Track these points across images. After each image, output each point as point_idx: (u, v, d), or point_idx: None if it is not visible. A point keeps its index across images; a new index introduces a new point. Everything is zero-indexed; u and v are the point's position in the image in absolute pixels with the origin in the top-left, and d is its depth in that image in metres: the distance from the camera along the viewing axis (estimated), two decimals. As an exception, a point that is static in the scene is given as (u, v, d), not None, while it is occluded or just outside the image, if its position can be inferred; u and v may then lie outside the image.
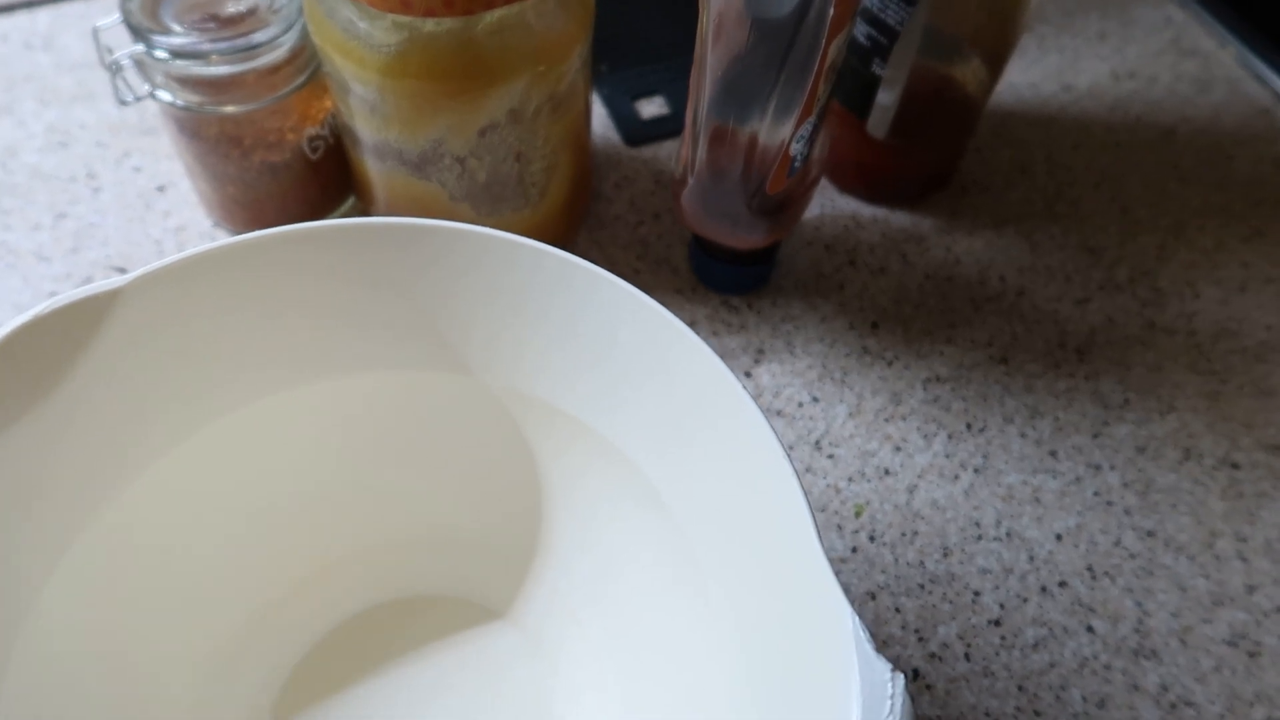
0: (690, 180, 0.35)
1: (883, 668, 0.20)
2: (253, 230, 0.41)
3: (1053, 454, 0.38)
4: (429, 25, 0.32)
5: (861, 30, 0.39)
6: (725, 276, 0.41)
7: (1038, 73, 0.51)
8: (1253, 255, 0.45)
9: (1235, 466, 0.38)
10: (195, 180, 0.41)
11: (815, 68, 0.30)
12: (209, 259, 0.26)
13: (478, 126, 0.34)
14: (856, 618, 0.21)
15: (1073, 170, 0.47)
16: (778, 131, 0.32)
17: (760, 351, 0.40)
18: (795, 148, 0.33)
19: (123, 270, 0.41)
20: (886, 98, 0.40)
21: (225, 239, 0.25)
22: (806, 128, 0.32)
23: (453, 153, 0.35)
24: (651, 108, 0.48)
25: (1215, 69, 0.52)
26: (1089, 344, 0.41)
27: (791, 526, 0.23)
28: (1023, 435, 0.39)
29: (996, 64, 0.41)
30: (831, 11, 0.28)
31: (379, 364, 0.29)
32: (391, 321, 0.29)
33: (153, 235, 0.42)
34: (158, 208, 0.43)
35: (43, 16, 0.51)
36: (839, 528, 0.36)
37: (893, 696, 0.20)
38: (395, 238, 0.27)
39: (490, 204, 0.37)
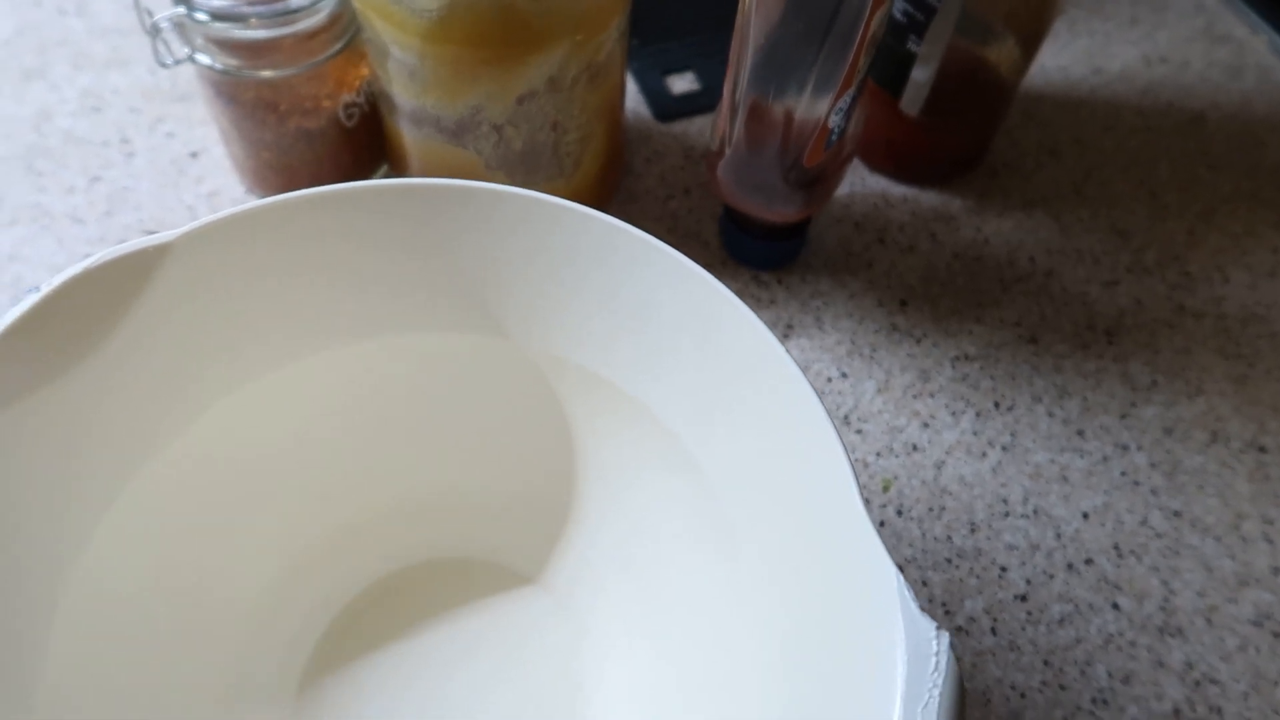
0: (727, 152, 0.35)
1: (928, 626, 0.20)
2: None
3: (1080, 433, 0.38)
4: (472, -10, 0.32)
5: (899, 6, 0.39)
6: (756, 251, 0.41)
7: (1068, 56, 0.51)
8: (1282, 241, 0.45)
9: (1262, 450, 0.38)
10: (230, 145, 0.41)
11: (858, 39, 0.30)
12: (256, 216, 0.26)
13: (516, 94, 0.34)
14: (901, 576, 0.21)
15: (1102, 154, 0.47)
16: (818, 103, 0.32)
17: (789, 326, 0.40)
18: (834, 120, 0.33)
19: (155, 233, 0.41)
20: (921, 75, 0.40)
21: (271, 198, 0.26)
22: (846, 100, 0.32)
23: (490, 120, 0.35)
24: (682, 84, 0.48)
25: (1247, 56, 0.52)
26: (1117, 326, 0.41)
27: (835, 490, 0.23)
28: (1050, 414, 0.39)
29: (1030, 46, 0.41)
30: None
31: (417, 326, 0.30)
32: (430, 284, 0.29)
33: (185, 201, 0.42)
34: (191, 173, 0.43)
35: (76, -18, 0.51)
36: (867, 502, 0.36)
37: (938, 653, 0.20)
38: (437, 199, 0.27)
39: (525, 173, 0.38)
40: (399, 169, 0.40)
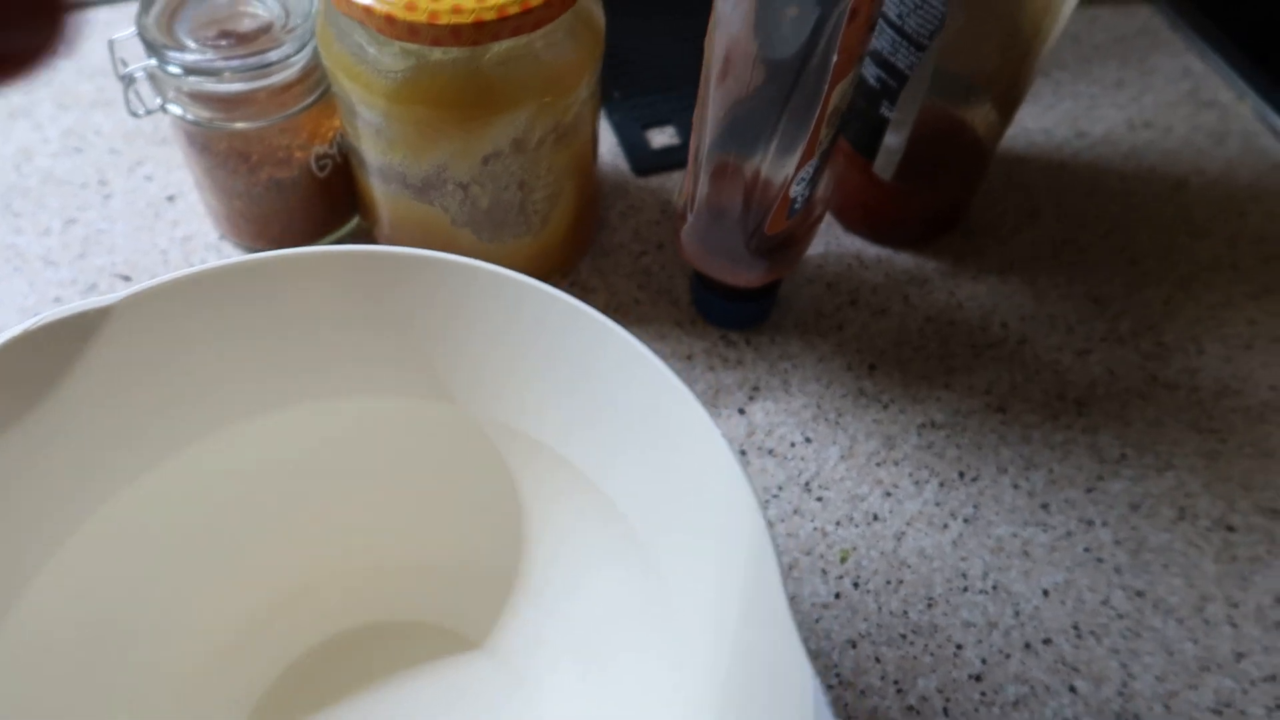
0: (690, 216, 0.35)
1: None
2: (258, 244, 0.41)
3: (1045, 507, 0.38)
4: (436, 53, 0.32)
5: (871, 72, 0.39)
6: (724, 312, 0.41)
7: (1052, 118, 0.51)
8: (1260, 313, 0.44)
9: (1230, 529, 0.38)
10: (203, 192, 0.41)
11: (817, 112, 0.30)
12: (200, 280, 0.26)
13: (481, 154, 0.34)
14: (819, 687, 0.20)
15: (1083, 218, 0.47)
16: (778, 173, 0.32)
17: (756, 389, 0.40)
18: (796, 189, 0.33)
19: (128, 278, 0.41)
20: (894, 140, 0.39)
21: (218, 261, 0.26)
22: (808, 170, 0.32)
23: (456, 179, 0.35)
24: (662, 137, 0.48)
25: (1232, 122, 0.52)
26: (1088, 396, 0.41)
27: (763, 589, 0.22)
28: (1015, 486, 0.38)
29: (1008, 108, 0.41)
30: (835, 58, 0.28)
31: (366, 389, 0.29)
32: (380, 348, 0.29)
33: (159, 245, 0.42)
34: (166, 217, 0.43)
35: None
36: (824, 572, 0.36)
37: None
38: (390, 267, 0.27)
39: (492, 230, 0.38)
40: (369, 221, 0.40)
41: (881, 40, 0.37)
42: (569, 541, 0.31)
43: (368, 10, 0.30)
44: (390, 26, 0.30)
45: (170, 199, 0.44)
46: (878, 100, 0.39)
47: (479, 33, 0.30)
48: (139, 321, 0.26)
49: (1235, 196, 0.48)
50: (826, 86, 0.29)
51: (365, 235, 0.43)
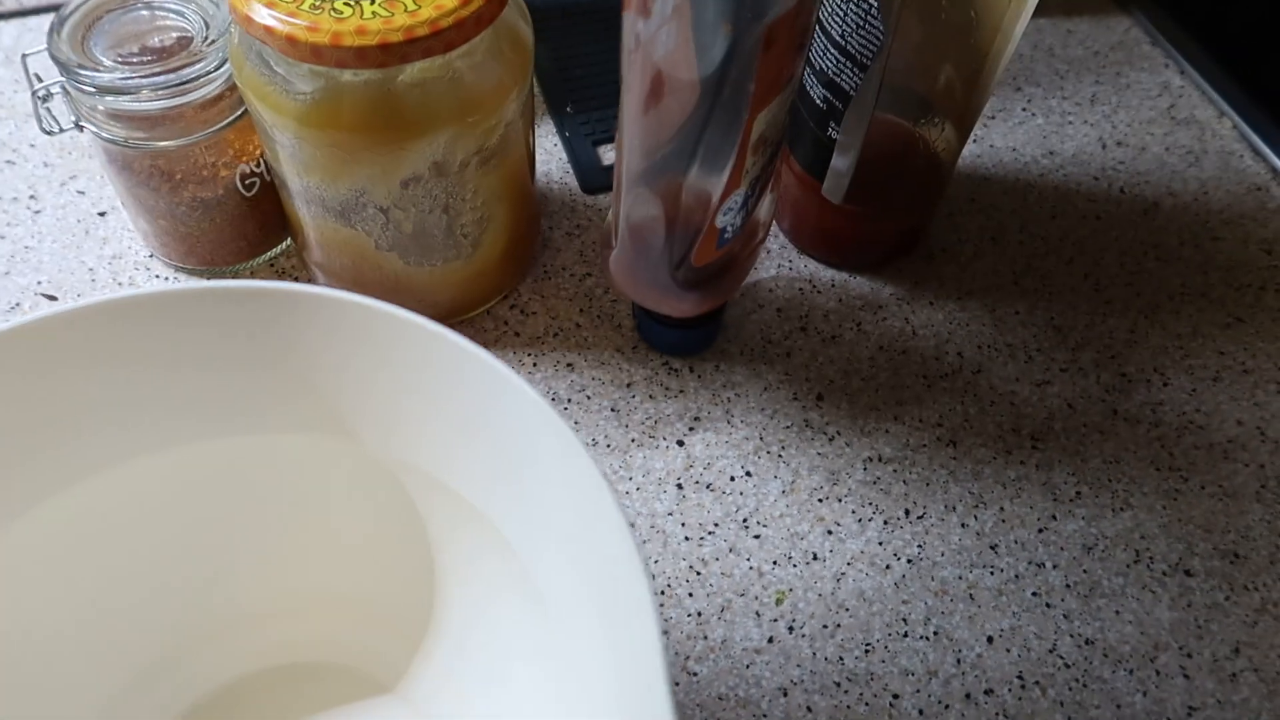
0: (614, 246, 0.34)
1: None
2: (187, 263, 0.40)
3: (993, 548, 0.36)
4: (346, 75, 0.30)
5: (817, 93, 0.37)
6: (665, 339, 0.39)
7: (1021, 135, 0.49)
8: (1230, 344, 0.42)
9: (1189, 574, 0.36)
10: (128, 211, 0.40)
11: (738, 141, 0.28)
12: (73, 318, 0.25)
13: (399, 178, 0.33)
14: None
15: (1047, 241, 0.45)
16: (701, 202, 0.30)
17: (696, 419, 0.39)
18: (724, 219, 0.31)
19: (53, 298, 0.40)
20: (841, 163, 0.38)
21: (92, 298, 0.24)
22: (736, 199, 0.31)
23: (375, 202, 0.34)
24: (614, 154, 0.47)
25: (1210, 141, 0.50)
26: (1045, 430, 0.39)
27: (645, 652, 0.21)
28: (964, 525, 0.37)
29: (964, 125, 0.39)
30: (753, 86, 0.27)
31: (262, 427, 0.28)
32: (276, 385, 0.27)
33: (87, 263, 0.41)
34: (96, 234, 0.42)
35: (8, 30, 0.50)
36: (757, 615, 0.34)
37: None
38: (263, 303, 0.25)
39: (419, 254, 0.36)
40: (298, 243, 0.39)
41: (826, 60, 0.36)
42: (470, 578, 0.29)
43: (269, 30, 0.29)
44: (292, 48, 0.29)
45: (102, 214, 0.43)
46: (824, 121, 0.37)
47: (385, 55, 0.29)
48: (19, 358, 0.25)
49: (1208, 221, 0.46)
50: (746, 114, 0.27)
51: (298, 256, 0.41)
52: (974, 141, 0.49)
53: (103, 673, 0.30)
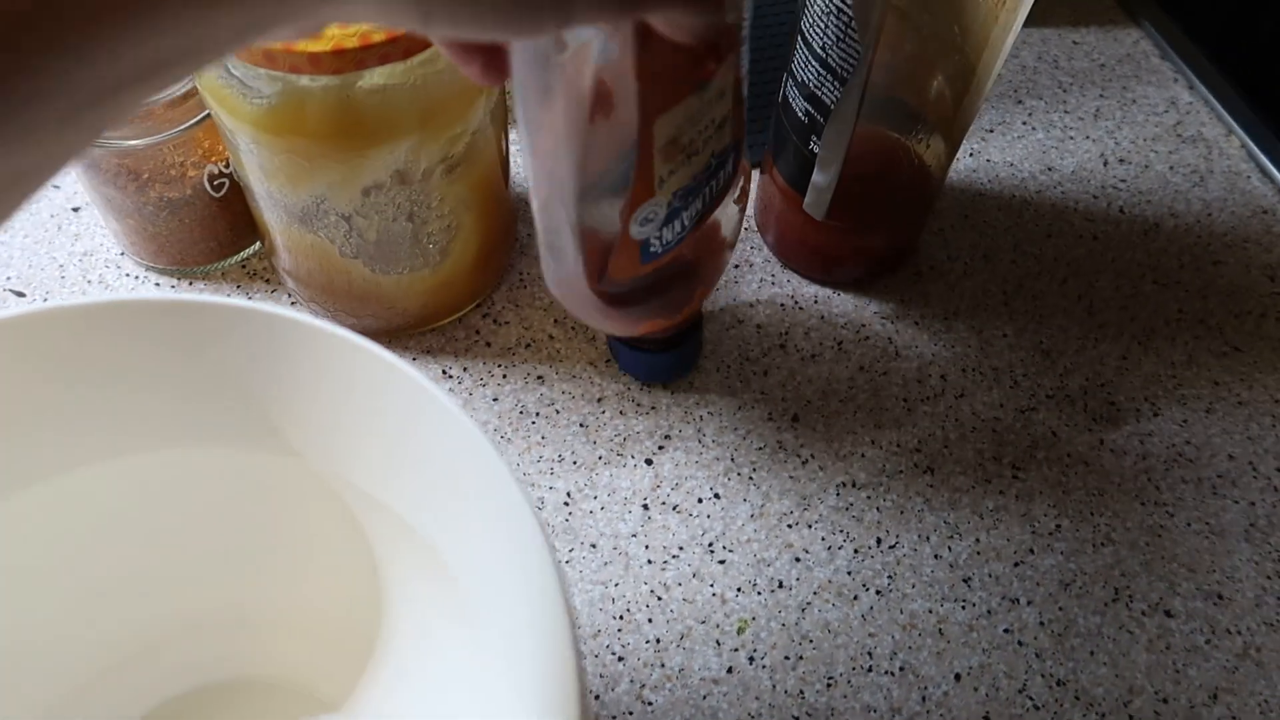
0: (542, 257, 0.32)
1: None
2: (158, 262, 0.39)
3: (966, 581, 0.35)
4: (304, 80, 0.30)
5: (800, 106, 0.36)
6: (632, 362, 0.38)
7: (1020, 150, 0.48)
8: (1226, 374, 0.41)
9: (1169, 614, 0.35)
10: (98, 209, 0.39)
11: (634, 146, 0.25)
12: (17, 324, 0.24)
13: (360, 185, 0.32)
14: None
15: (1041, 261, 0.44)
16: (603, 214, 0.27)
17: (666, 438, 0.38)
18: (642, 231, 0.28)
19: (21, 294, 0.40)
20: (821, 179, 0.37)
21: (37, 305, 0.24)
22: (654, 211, 0.28)
23: (337, 209, 0.33)
24: (599, 160, 0.46)
25: (1217, 160, 0.48)
26: (1027, 459, 0.38)
27: (560, 680, 0.20)
28: (937, 556, 0.36)
29: (952, 138, 0.38)
30: (637, 85, 0.24)
31: (201, 440, 0.27)
32: (216, 399, 0.27)
33: (58, 260, 0.41)
34: (69, 230, 0.42)
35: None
36: (718, 644, 0.33)
37: None
38: (193, 316, 0.25)
39: (384, 262, 0.35)
40: (266, 246, 0.38)
41: (807, 73, 0.35)
42: (411, 596, 0.29)
43: (222, 33, 0.28)
44: (247, 51, 0.28)
45: (76, 210, 0.42)
46: (806, 135, 0.36)
47: (340, 60, 0.28)
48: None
49: (1211, 244, 0.45)
50: (636, 119, 0.25)
51: (268, 260, 0.41)
52: (970, 156, 0.47)
53: (40, 688, 0.29)
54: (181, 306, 0.25)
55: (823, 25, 0.33)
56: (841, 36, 0.32)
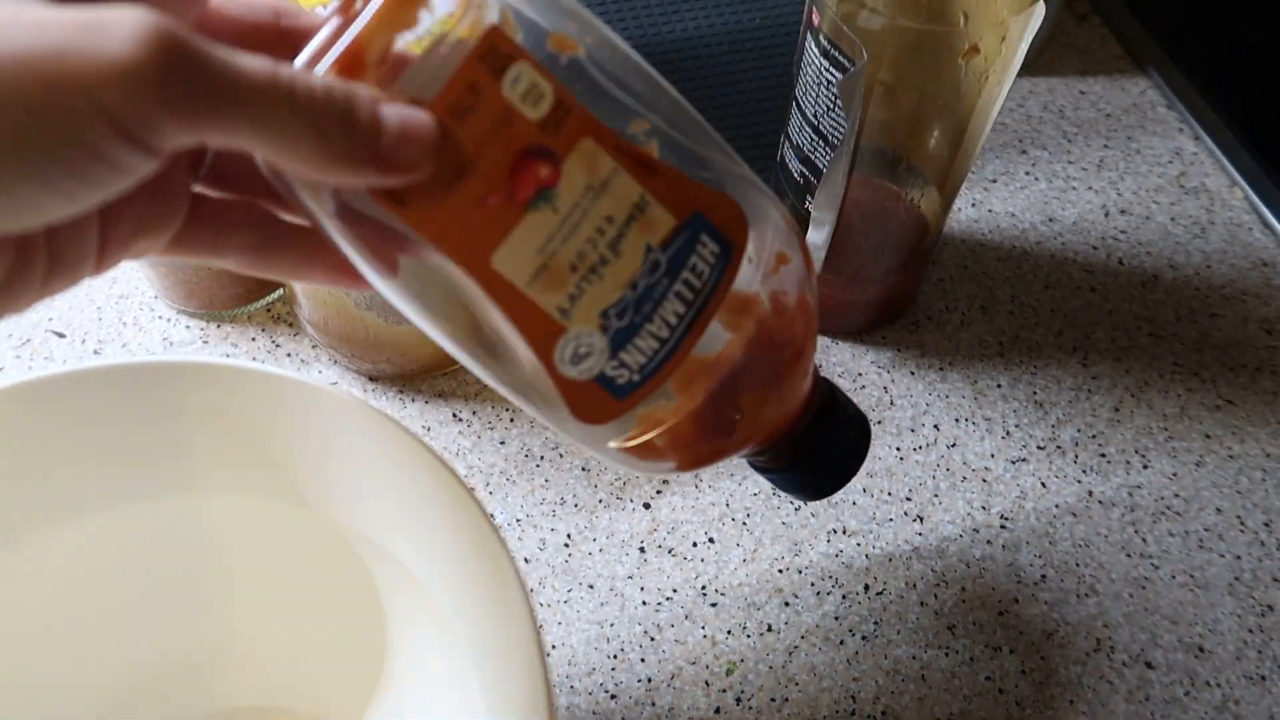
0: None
1: None
2: (188, 306, 0.42)
3: (951, 629, 0.36)
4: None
5: (796, 167, 0.38)
6: (784, 484, 0.29)
7: (1022, 201, 0.49)
8: (1218, 427, 0.42)
9: (1150, 665, 0.36)
10: (134, 256, 0.42)
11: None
12: (55, 384, 0.27)
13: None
14: None
15: (1038, 313, 0.45)
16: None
17: (665, 482, 0.39)
18: (583, 369, 0.22)
19: (61, 335, 0.42)
20: (816, 236, 0.38)
21: (53, 370, 0.26)
22: (581, 342, 0.21)
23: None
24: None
25: (1219, 211, 0.49)
26: (1015, 510, 0.39)
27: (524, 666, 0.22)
28: (923, 604, 0.37)
29: (946, 193, 0.39)
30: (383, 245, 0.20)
31: (222, 489, 0.30)
32: (224, 451, 0.29)
33: (96, 302, 0.43)
34: (107, 274, 0.44)
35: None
36: (706, 684, 0.35)
37: None
38: (231, 379, 0.27)
39: (397, 314, 0.37)
40: (288, 294, 0.41)
41: (801, 137, 0.36)
42: (414, 639, 0.30)
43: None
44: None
45: (114, 255, 0.45)
46: (802, 194, 0.38)
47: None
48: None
49: (1209, 296, 0.46)
50: (460, 271, 0.20)
51: (289, 306, 0.43)
52: (972, 206, 0.48)
53: (74, 707, 0.31)
54: (205, 369, 0.27)
55: (814, 94, 0.34)
56: (831, 106, 0.34)
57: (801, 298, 0.25)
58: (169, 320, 0.43)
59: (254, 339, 0.42)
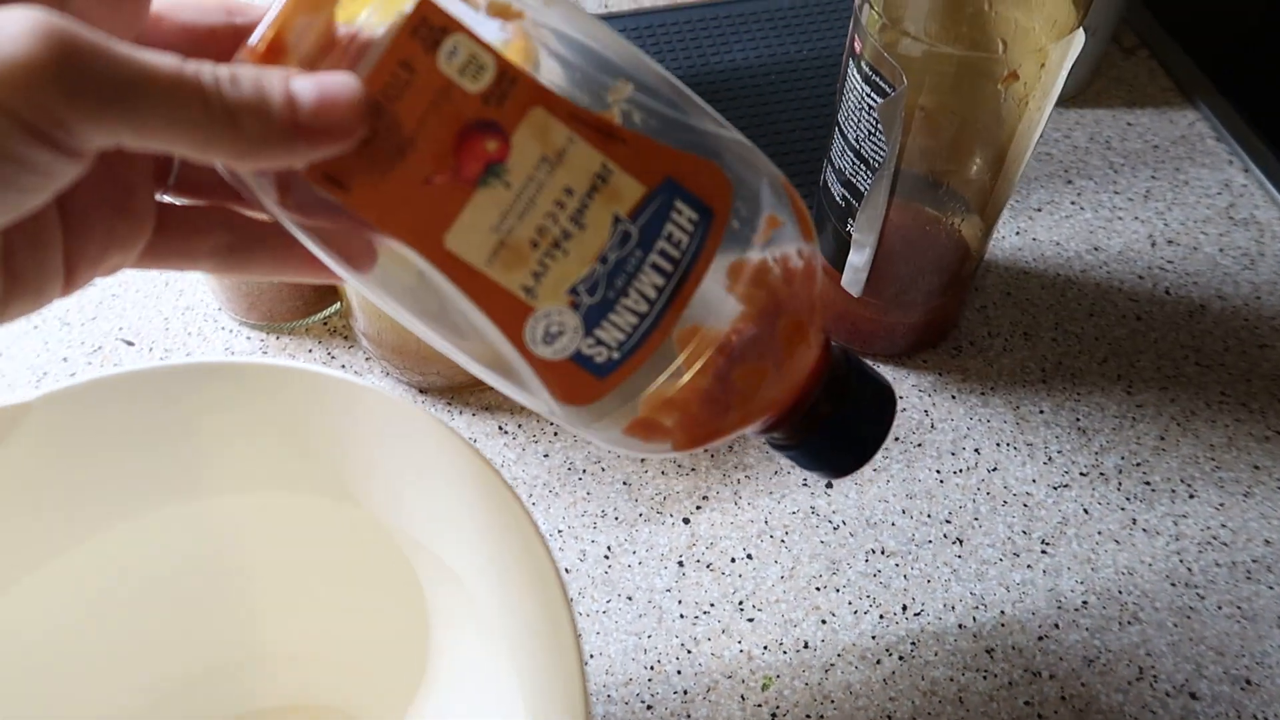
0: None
1: None
2: (250, 318, 0.43)
3: (989, 652, 0.36)
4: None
5: (838, 190, 0.38)
6: (801, 459, 0.26)
7: (1067, 230, 0.49)
8: (1267, 458, 0.41)
9: (1194, 696, 0.35)
10: (200, 269, 0.44)
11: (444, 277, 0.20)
12: (114, 384, 0.28)
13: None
14: None
15: (1082, 340, 0.45)
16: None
17: (704, 498, 0.40)
18: (557, 349, 0.21)
19: (131, 343, 0.44)
20: (857, 259, 0.39)
21: (124, 368, 0.27)
22: (552, 320, 0.21)
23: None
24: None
25: (1268, 243, 0.48)
26: (1057, 535, 0.39)
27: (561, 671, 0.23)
28: (961, 626, 0.37)
29: (988, 219, 0.40)
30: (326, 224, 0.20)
31: (261, 486, 0.31)
32: (282, 450, 0.30)
33: (163, 313, 0.45)
34: (175, 286, 0.46)
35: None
36: (742, 699, 0.35)
37: None
38: (264, 377, 0.28)
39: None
40: (344, 307, 0.42)
41: (844, 160, 0.37)
42: (456, 641, 0.31)
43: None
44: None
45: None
46: (844, 217, 0.39)
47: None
48: (53, 418, 0.28)
49: (1259, 327, 0.45)
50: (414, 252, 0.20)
51: (345, 319, 0.44)
52: (1016, 234, 0.49)
53: (110, 707, 0.32)
54: (268, 370, 0.28)
55: (856, 119, 0.35)
56: (872, 130, 0.34)
57: (800, 264, 0.23)
58: (231, 331, 0.44)
59: (310, 350, 0.44)
